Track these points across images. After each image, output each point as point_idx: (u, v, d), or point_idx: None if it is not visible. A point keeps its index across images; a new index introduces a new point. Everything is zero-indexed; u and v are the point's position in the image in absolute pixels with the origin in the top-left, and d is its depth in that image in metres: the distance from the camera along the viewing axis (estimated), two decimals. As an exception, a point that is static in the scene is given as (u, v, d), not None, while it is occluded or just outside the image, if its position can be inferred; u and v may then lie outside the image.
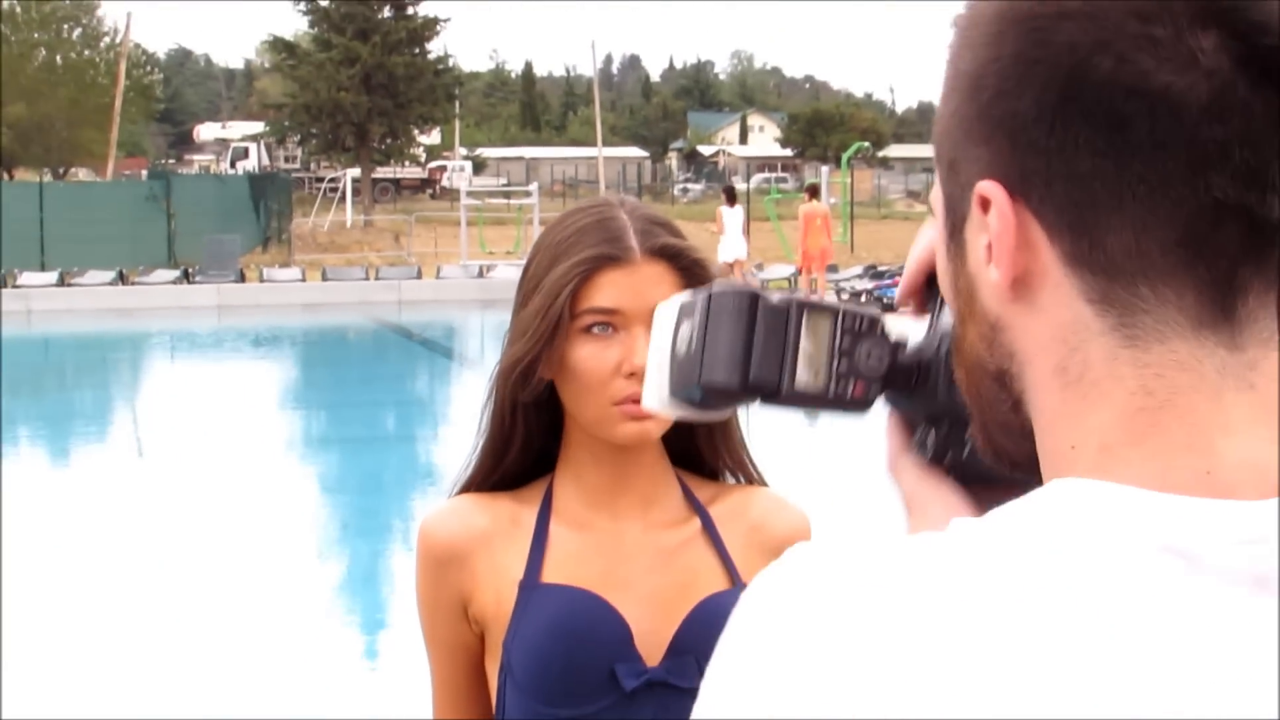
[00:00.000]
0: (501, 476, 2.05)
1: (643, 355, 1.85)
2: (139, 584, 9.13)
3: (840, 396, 1.09)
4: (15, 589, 8.87)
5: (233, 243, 33.73)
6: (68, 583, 9.15)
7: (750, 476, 2.11)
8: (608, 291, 1.92)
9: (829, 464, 11.90)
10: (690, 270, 1.95)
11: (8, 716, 6.54)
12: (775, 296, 1.08)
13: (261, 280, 32.73)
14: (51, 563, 9.63)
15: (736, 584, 1.98)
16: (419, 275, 33.41)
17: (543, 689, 1.93)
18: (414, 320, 28.06)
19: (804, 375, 1.07)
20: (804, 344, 1.08)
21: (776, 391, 1.07)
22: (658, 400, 1.13)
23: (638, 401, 1.87)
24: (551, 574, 1.99)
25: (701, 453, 2.08)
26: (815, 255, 27.69)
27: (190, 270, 32.88)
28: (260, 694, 7.11)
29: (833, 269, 29.48)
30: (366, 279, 33.04)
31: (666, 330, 1.13)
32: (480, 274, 33.35)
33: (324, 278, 33.17)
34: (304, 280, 32.79)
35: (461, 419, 16.73)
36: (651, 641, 1.96)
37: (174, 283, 32.15)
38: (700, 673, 1.77)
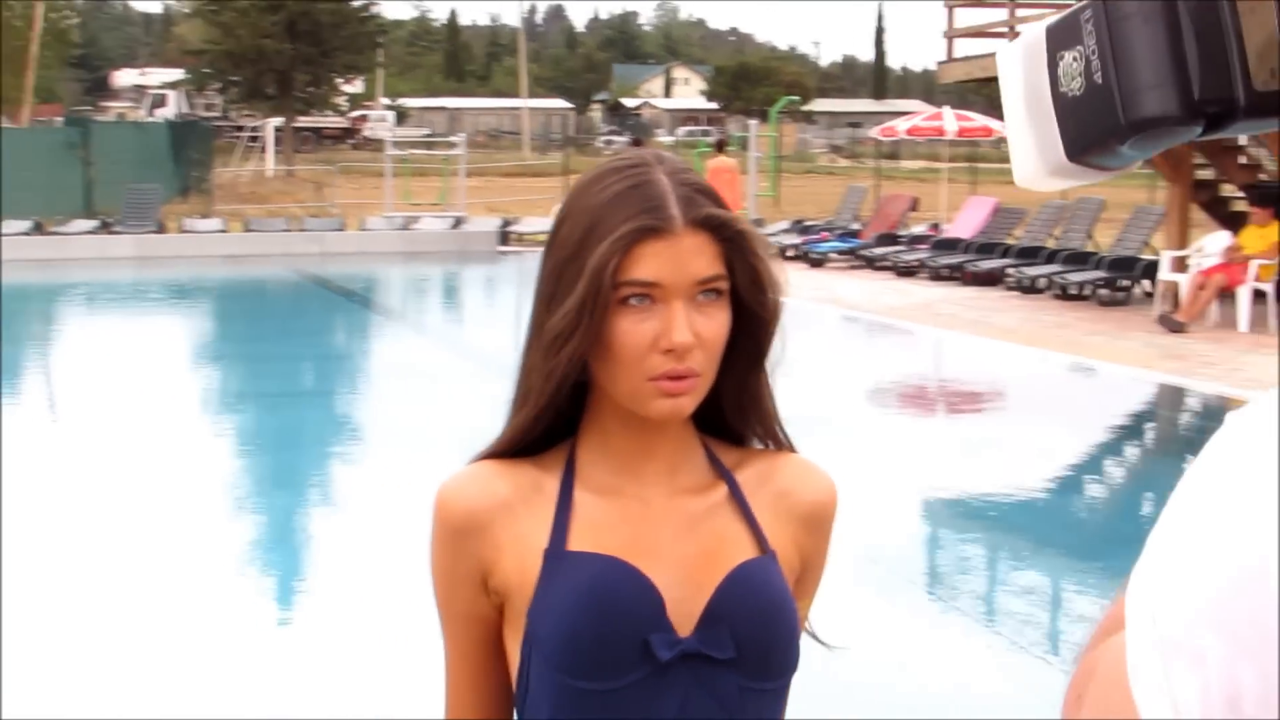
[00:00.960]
0: (524, 445, 1.98)
1: (682, 331, 1.83)
2: (47, 546, 8.88)
3: None
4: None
5: (153, 192, 33.02)
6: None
7: (780, 444, 2.04)
8: (648, 263, 1.84)
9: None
10: (734, 241, 1.88)
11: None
12: None
13: (182, 231, 32.16)
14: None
15: (767, 552, 1.94)
16: (342, 227, 33.04)
17: (572, 661, 1.87)
18: (337, 273, 27.76)
19: (1259, 75, 0.81)
20: (1248, 32, 0.81)
21: (1231, 105, 0.82)
22: (1040, 167, 0.90)
23: (674, 378, 1.85)
24: (578, 541, 1.92)
25: (728, 420, 2.01)
26: (726, 209, 27.60)
27: (109, 220, 32.36)
28: (172, 652, 6.96)
29: (758, 223, 29.31)
30: (289, 230, 32.34)
31: (1033, 74, 0.89)
32: (404, 226, 33.18)
33: (246, 229, 32.56)
34: (225, 231, 32.26)
35: (384, 373, 16.72)
36: (682, 611, 1.90)
37: (92, 233, 31.57)
38: (733, 643, 1.87)
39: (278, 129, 52.12)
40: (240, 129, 55.91)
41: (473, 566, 1.95)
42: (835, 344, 19.03)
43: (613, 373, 1.88)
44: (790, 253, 27.66)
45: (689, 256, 1.84)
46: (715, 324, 1.86)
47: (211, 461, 11.57)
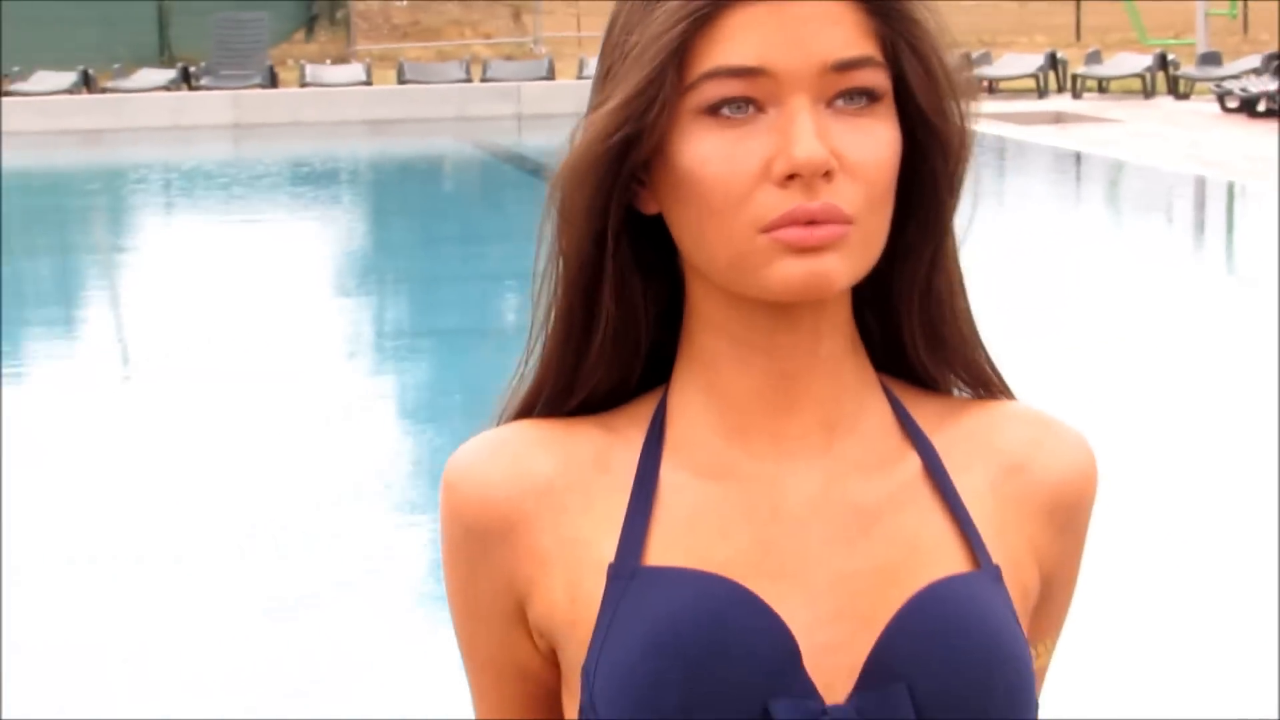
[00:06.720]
0: (584, 394, 1.49)
1: (808, 140, 1.36)
2: (130, 532, 8.24)
3: None
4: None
5: (258, 25, 28.91)
6: (43, 524, 8.35)
7: (986, 385, 1.53)
8: (746, 40, 1.38)
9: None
10: (892, 15, 1.39)
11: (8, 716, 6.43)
12: None
13: (303, 84, 28.86)
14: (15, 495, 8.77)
15: (984, 565, 1.43)
16: (550, 74, 29.28)
17: None
18: (540, 146, 22.73)
19: None
20: None
21: None
22: None
23: (805, 221, 1.37)
24: (662, 551, 1.45)
25: (913, 365, 1.51)
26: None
27: (193, 70, 28.76)
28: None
29: (1213, 60, 27.01)
30: (468, 80, 29.33)
31: None
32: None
33: (401, 79, 29.24)
34: (369, 83, 29.12)
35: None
36: (834, 663, 1.42)
37: (167, 87, 28.35)
38: (915, 706, 1.45)
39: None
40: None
41: (501, 590, 1.52)
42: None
43: (701, 228, 1.42)
44: (1263, 105, 23.56)
45: (813, 28, 1.39)
46: (874, 142, 1.39)
47: (352, 432, 10.08)
